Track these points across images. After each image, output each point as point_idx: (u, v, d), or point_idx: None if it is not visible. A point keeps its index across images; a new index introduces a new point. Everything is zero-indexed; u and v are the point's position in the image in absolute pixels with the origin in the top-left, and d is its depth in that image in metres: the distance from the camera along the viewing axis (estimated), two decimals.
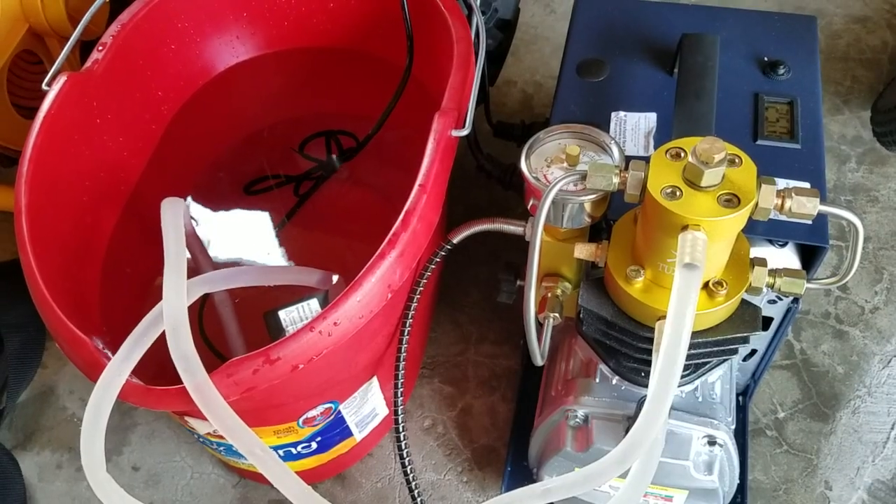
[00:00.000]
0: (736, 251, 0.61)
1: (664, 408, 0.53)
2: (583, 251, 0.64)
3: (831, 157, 1.10)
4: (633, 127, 0.75)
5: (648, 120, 0.76)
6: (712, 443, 0.68)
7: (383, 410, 0.84)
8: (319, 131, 0.90)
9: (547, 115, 0.80)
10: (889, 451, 0.88)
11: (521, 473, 0.86)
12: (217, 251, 0.84)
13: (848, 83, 1.17)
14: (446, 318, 1.01)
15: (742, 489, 0.82)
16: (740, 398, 0.89)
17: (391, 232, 0.61)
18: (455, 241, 0.71)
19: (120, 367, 0.57)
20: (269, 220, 0.88)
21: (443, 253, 0.71)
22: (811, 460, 0.87)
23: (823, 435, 0.89)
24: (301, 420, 0.72)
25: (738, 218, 0.53)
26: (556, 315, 0.70)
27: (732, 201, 0.53)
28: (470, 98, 0.68)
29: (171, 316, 0.58)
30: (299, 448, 0.77)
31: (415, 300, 0.71)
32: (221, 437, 0.73)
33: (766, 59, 0.78)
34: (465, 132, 0.67)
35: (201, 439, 0.78)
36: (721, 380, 0.72)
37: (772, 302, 0.74)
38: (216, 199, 0.89)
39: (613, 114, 0.76)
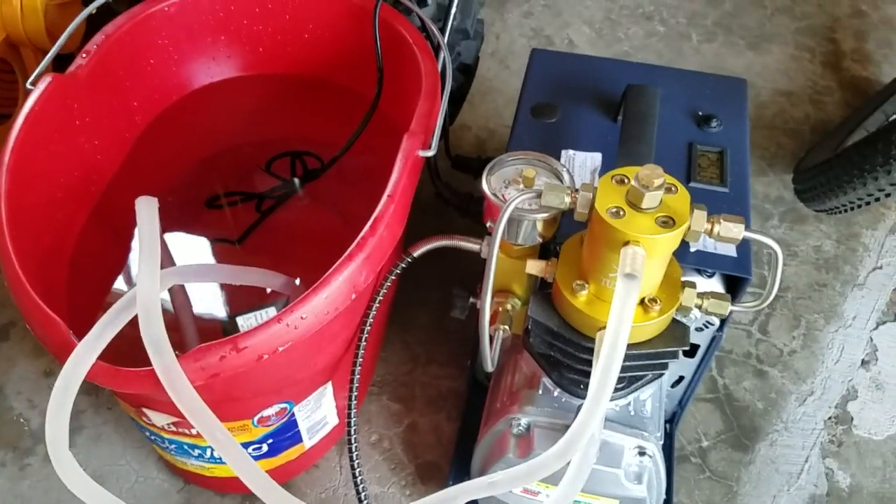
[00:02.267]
0: (669, 274, 0.67)
1: (602, 404, 0.58)
2: (534, 267, 0.70)
3: (756, 214, 1.20)
4: (581, 164, 0.82)
5: (594, 159, 0.83)
6: (642, 453, 0.73)
7: (333, 419, 0.87)
8: (286, 151, 0.95)
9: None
10: (803, 481, 0.95)
11: None
12: None
13: (773, 149, 1.28)
14: (396, 339, 1.05)
15: None
16: (668, 425, 0.95)
17: (359, 236, 0.65)
18: (415, 254, 0.76)
19: (91, 347, 0.60)
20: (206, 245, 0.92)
21: (403, 265, 0.76)
22: (731, 487, 0.94)
23: (743, 464, 0.95)
24: (256, 418, 0.74)
25: (673, 237, 0.60)
26: (506, 327, 0.76)
27: (668, 223, 0.60)
28: (436, 124, 0.74)
29: (143, 300, 0.61)
30: (250, 449, 0.79)
31: (374, 308, 0.76)
32: (175, 433, 0.75)
33: (700, 113, 0.86)
34: (430, 153, 0.73)
35: (152, 437, 0.79)
36: (652, 398, 0.78)
37: (699, 329, 0.81)
38: (180, 210, 0.92)
39: (563, 151, 0.83)
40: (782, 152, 1.27)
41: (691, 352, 0.84)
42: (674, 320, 0.69)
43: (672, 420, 0.94)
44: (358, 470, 0.77)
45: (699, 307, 0.68)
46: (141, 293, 0.62)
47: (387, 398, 1.00)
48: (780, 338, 1.07)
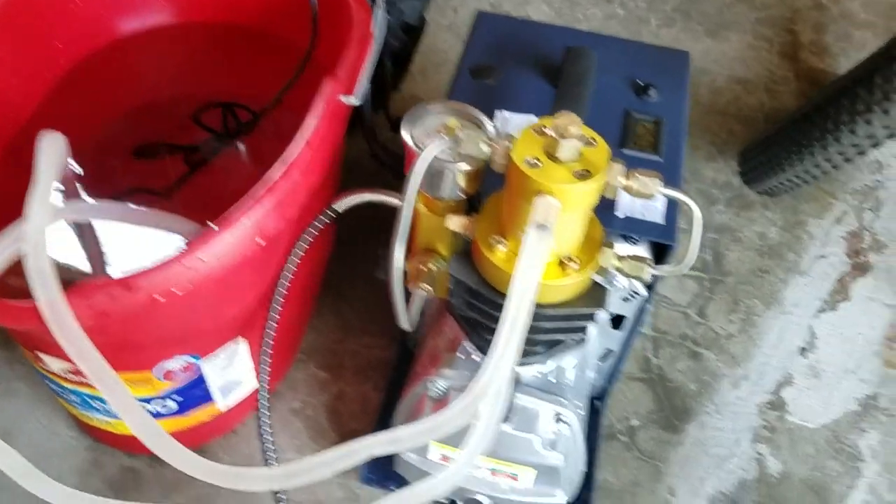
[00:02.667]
0: (590, 235, 0.66)
1: (508, 356, 0.56)
2: (455, 223, 0.68)
3: (702, 198, 1.19)
4: (516, 126, 0.80)
5: (530, 121, 0.80)
6: (559, 420, 0.71)
7: (252, 382, 0.84)
8: (219, 102, 0.92)
9: None
10: (732, 465, 0.93)
11: (383, 458, 0.87)
12: None
13: (724, 135, 1.27)
14: (330, 309, 1.02)
15: (589, 485, 0.86)
16: (597, 402, 0.93)
17: (271, 180, 0.63)
18: (338, 208, 0.74)
19: None
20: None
21: (325, 220, 0.74)
22: (658, 467, 0.92)
23: (672, 445, 0.94)
24: (157, 371, 0.71)
25: (589, 190, 0.58)
26: (428, 288, 0.73)
27: (585, 175, 0.58)
28: (362, 71, 0.72)
29: (30, 231, 0.58)
30: (156, 405, 0.76)
31: (292, 263, 0.73)
32: (76, 382, 0.72)
33: (639, 82, 0.85)
34: (354, 101, 0.70)
35: (55, 387, 0.76)
36: (576, 368, 0.76)
37: (626, 300, 0.79)
38: (107, 158, 0.89)
39: (498, 112, 0.81)
40: (734, 139, 1.26)
41: (618, 323, 0.82)
42: (594, 283, 0.67)
43: (601, 397, 0.93)
44: (268, 432, 0.74)
45: (618, 269, 0.66)
46: (29, 224, 0.59)
47: (314, 366, 0.97)
48: (718, 321, 1.06)
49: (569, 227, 0.61)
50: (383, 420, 0.91)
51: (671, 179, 0.78)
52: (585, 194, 0.58)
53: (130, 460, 0.87)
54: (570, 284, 0.64)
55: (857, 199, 1.21)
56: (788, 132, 0.95)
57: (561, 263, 0.63)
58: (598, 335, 0.84)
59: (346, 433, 0.92)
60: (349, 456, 0.61)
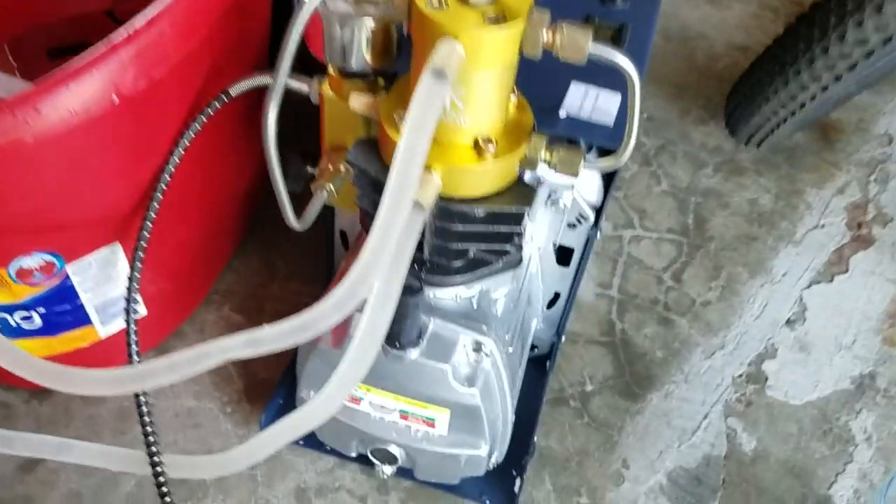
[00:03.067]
0: (517, 120, 0.55)
1: (392, 233, 0.45)
2: (358, 101, 0.57)
3: (690, 162, 1.07)
4: None
5: None
6: (477, 350, 0.60)
7: (140, 310, 0.73)
8: None
9: None
10: (698, 439, 0.81)
11: (286, 405, 0.76)
12: None
13: (717, 99, 1.16)
14: (256, 254, 0.92)
15: (526, 448, 0.73)
16: (548, 363, 0.81)
17: (132, 27, 0.53)
18: (233, 93, 0.64)
19: None
20: None
21: (217, 104, 0.63)
22: (612, 436, 0.80)
23: (630, 413, 0.82)
24: (13, 269, 0.60)
25: (502, 38, 0.47)
26: (330, 187, 0.63)
27: (499, 20, 0.47)
28: None
29: None
30: (18, 317, 0.65)
31: (177, 155, 0.62)
32: None
33: None
34: None
35: None
36: (506, 299, 0.65)
37: (572, 226, 0.68)
38: (18, 60, 0.81)
39: None
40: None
41: (565, 258, 0.71)
42: (521, 182, 0.56)
43: (550, 355, 0.81)
44: (135, 350, 0.63)
45: (547, 162, 0.55)
46: None
47: (229, 308, 0.86)
48: (695, 287, 0.94)
49: (482, 92, 0.50)
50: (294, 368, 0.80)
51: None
52: (498, 43, 0.48)
53: (5, 394, 0.76)
54: (488, 173, 0.53)
55: (862, 171, 1.09)
56: (771, 53, 0.83)
57: (476, 146, 0.53)
58: (544, 273, 0.73)
59: (255, 383, 0.80)
60: (200, 359, 0.51)
